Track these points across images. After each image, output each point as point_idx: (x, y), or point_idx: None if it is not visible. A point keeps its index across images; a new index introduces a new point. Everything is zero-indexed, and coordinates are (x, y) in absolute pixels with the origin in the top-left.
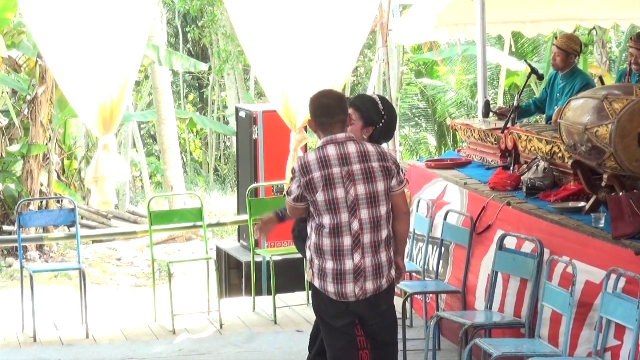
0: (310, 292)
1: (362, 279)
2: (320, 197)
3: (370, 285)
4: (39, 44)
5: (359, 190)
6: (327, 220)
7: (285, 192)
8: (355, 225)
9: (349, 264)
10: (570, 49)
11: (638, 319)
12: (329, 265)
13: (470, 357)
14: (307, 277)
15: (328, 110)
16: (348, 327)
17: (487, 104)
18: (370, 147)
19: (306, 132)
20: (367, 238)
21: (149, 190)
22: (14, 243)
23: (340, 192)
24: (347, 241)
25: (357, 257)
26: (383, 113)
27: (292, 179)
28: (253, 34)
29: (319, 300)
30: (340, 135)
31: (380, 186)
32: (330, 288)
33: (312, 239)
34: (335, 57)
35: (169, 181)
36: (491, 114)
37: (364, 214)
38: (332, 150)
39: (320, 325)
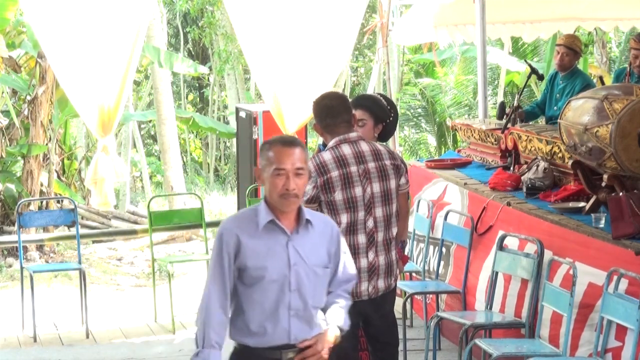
0: None
1: (375, 277)
2: (338, 196)
3: (381, 283)
4: (41, 43)
5: (375, 188)
6: (344, 218)
7: (304, 201)
8: (370, 223)
9: (363, 262)
10: (577, 47)
11: (639, 319)
12: None
13: (470, 357)
14: None
15: (332, 111)
16: (354, 328)
17: (502, 106)
18: (379, 146)
19: (306, 137)
20: (380, 236)
21: (149, 190)
22: (14, 243)
23: (358, 191)
24: (362, 239)
25: (371, 255)
26: (389, 108)
27: None
28: (252, 38)
29: None
30: (352, 135)
31: (392, 184)
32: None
33: None
34: (326, 61)
35: (169, 181)
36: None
37: (378, 211)
38: (347, 149)
39: None
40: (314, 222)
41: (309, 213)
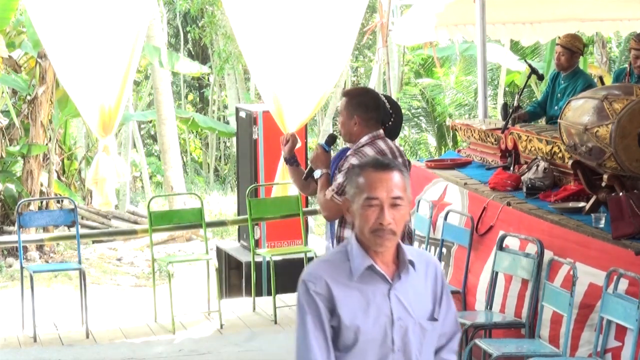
0: None
1: None
2: None
3: None
4: (43, 43)
5: None
6: None
7: (334, 193)
8: None
9: None
10: (575, 47)
11: (638, 319)
12: None
13: (470, 357)
14: None
15: (377, 105)
16: None
17: (504, 107)
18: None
19: (306, 137)
20: (406, 230)
21: (149, 190)
22: (14, 243)
23: None
24: None
25: None
26: (391, 112)
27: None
28: (251, 38)
29: None
30: (381, 132)
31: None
32: None
33: None
34: (326, 61)
35: (169, 181)
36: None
37: None
38: (383, 145)
39: None
40: (416, 262)
41: (409, 251)
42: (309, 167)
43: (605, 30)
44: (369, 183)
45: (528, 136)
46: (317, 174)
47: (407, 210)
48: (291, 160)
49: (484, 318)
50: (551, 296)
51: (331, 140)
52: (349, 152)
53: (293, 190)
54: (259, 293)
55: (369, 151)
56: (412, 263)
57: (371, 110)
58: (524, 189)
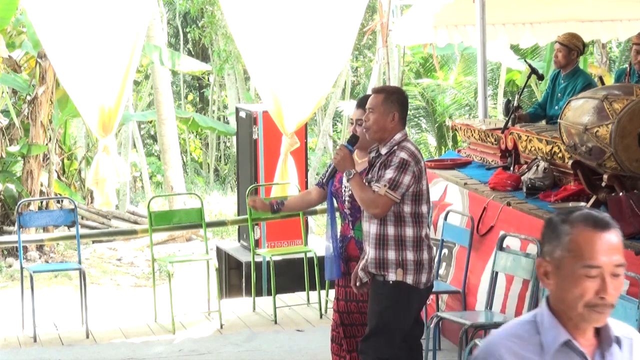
0: (387, 294)
1: (432, 267)
2: (424, 185)
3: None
4: (43, 43)
5: None
6: (425, 209)
7: (387, 188)
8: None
9: (434, 251)
10: (572, 44)
11: (638, 319)
12: (425, 255)
13: (470, 357)
14: (395, 277)
15: (408, 104)
16: (418, 313)
17: (507, 104)
18: None
19: (306, 137)
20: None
21: (149, 190)
22: (14, 243)
23: (427, 181)
24: (428, 230)
25: (431, 244)
26: None
27: (402, 171)
28: (250, 38)
29: (408, 297)
30: (406, 131)
31: None
32: (424, 278)
33: (408, 232)
34: (326, 61)
35: (169, 181)
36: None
37: None
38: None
39: (399, 325)
40: (623, 338)
41: (615, 326)
42: (331, 168)
43: (603, 35)
44: (588, 247)
45: (528, 136)
46: (347, 174)
47: (623, 278)
48: (274, 209)
49: (484, 318)
50: None
51: (354, 140)
52: (385, 149)
53: (293, 190)
54: (259, 293)
55: (411, 146)
56: (618, 341)
57: (406, 109)
58: (524, 189)
